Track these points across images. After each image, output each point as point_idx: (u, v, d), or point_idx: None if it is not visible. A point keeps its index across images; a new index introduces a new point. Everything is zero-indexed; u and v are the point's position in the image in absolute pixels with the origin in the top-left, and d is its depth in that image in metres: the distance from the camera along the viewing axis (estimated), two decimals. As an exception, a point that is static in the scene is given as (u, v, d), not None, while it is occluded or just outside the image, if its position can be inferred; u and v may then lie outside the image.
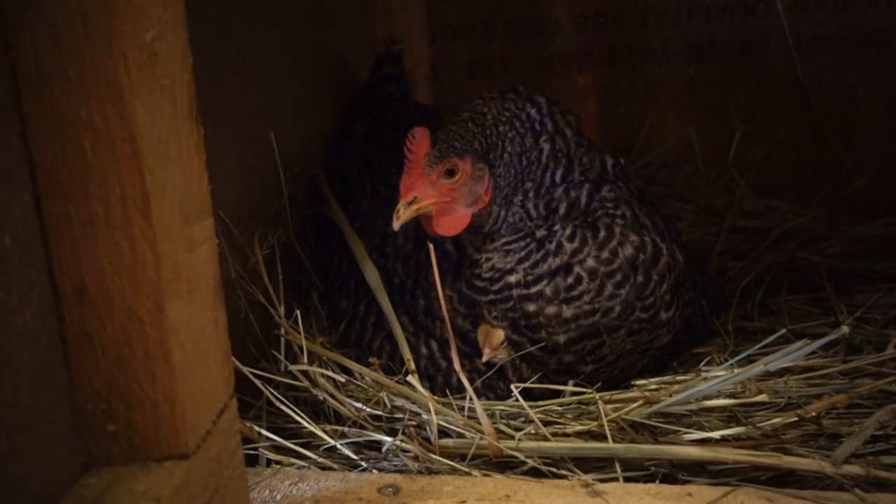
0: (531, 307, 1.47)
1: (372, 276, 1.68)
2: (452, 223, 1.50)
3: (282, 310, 1.62)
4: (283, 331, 1.57)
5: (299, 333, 1.53)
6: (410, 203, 1.45)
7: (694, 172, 2.48)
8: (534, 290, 1.47)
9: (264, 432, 1.41)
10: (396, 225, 1.45)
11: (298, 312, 1.56)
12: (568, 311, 1.47)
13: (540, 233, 1.51)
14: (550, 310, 1.47)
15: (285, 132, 1.85)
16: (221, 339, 1.09)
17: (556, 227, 1.50)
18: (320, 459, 1.39)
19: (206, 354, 1.03)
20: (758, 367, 1.24)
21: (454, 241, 1.59)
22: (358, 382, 1.51)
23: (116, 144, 0.89)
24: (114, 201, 0.90)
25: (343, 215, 1.83)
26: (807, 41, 2.38)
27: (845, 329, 1.22)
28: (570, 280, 1.47)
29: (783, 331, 1.37)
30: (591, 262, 1.47)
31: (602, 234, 1.49)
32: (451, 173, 1.47)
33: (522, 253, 1.49)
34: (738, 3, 2.40)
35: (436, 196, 1.47)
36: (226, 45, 1.63)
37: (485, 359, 1.49)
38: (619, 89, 2.56)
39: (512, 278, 1.49)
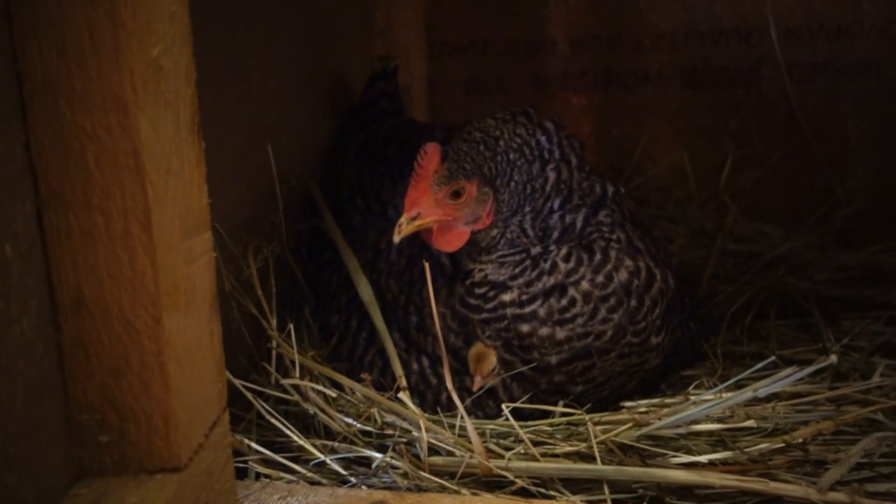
0: (525, 328, 1.49)
1: (365, 291, 1.68)
2: (451, 240, 1.52)
3: (274, 323, 1.62)
4: (274, 344, 1.57)
5: (291, 347, 1.53)
6: (413, 218, 1.47)
7: (686, 196, 2.50)
8: (528, 309, 1.49)
9: (254, 445, 1.41)
10: (397, 238, 1.46)
11: (291, 326, 1.56)
12: (561, 333, 1.48)
13: (535, 250, 1.52)
14: (544, 331, 1.48)
15: (282, 146, 1.86)
16: (216, 352, 1.09)
17: (552, 247, 1.52)
18: (310, 474, 1.39)
19: (200, 367, 1.04)
20: (747, 393, 1.26)
21: (450, 253, 1.60)
22: (349, 397, 1.51)
23: (120, 157, 0.90)
24: (115, 213, 0.91)
25: (337, 229, 1.84)
26: (799, 69, 2.41)
27: (833, 358, 1.24)
28: (564, 302, 1.48)
29: (773, 357, 1.39)
30: (585, 285, 1.49)
31: (598, 256, 1.51)
32: (457, 194, 1.49)
33: (517, 269, 1.51)
34: (732, 29, 2.44)
35: (439, 214, 1.49)
36: (224, 58, 1.64)
37: (475, 387, 1.50)
38: (614, 111, 2.58)
39: (506, 297, 1.50)
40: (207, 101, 1.56)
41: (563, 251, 1.51)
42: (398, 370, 1.56)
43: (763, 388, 1.25)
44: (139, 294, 0.92)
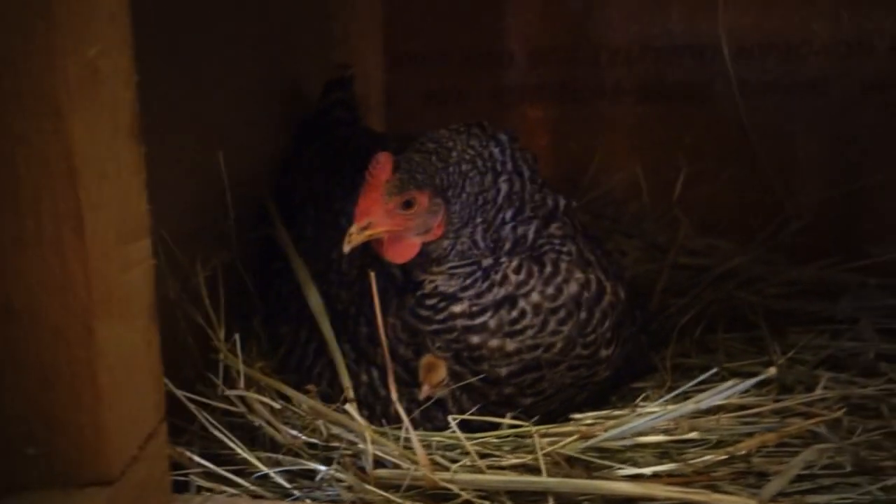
0: (475, 339, 1.49)
1: (315, 301, 1.67)
2: (402, 251, 1.51)
3: (222, 333, 1.59)
4: (221, 354, 1.54)
5: (237, 357, 1.51)
6: (364, 228, 1.45)
7: (640, 209, 2.52)
8: (478, 321, 1.49)
9: (196, 458, 1.38)
10: (347, 248, 1.45)
11: (237, 336, 1.53)
12: (511, 345, 1.48)
13: (486, 262, 1.52)
14: (494, 343, 1.48)
15: (235, 153, 1.84)
16: (153, 363, 1.07)
17: (503, 259, 1.52)
18: (252, 487, 1.36)
19: (135, 378, 1.01)
20: (689, 406, 1.27)
21: (402, 265, 1.59)
22: (295, 409, 1.49)
23: (52, 161, 0.87)
24: (46, 218, 0.88)
25: (289, 239, 1.82)
26: (751, 87, 2.45)
27: (772, 371, 1.26)
28: (514, 314, 1.48)
29: (715, 369, 1.40)
30: (535, 297, 1.49)
31: (548, 269, 1.52)
32: (408, 205, 1.48)
33: (468, 280, 1.51)
34: (686, 47, 2.47)
35: (390, 225, 1.48)
36: (175, 64, 1.62)
37: (423, 395, 1.49)
38: (570, 124, 2.60)
39: (457, 308, 1.49)
40: (155, 105, 1.54)
41: (514, 263, 1.51)
42: (346, 381, 1.54)
43: (705, 401, 1.26)
44: (70, 302, 0.90)
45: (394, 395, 1.32)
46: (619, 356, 1.61)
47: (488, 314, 1.48)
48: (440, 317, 1.50)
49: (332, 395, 1.57)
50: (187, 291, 1.62)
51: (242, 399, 1.49)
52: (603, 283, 1.55)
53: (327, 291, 1.69)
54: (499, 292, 1.49)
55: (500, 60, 2.61)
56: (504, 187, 1.54)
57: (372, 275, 1.33)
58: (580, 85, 2.58)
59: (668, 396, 1.45)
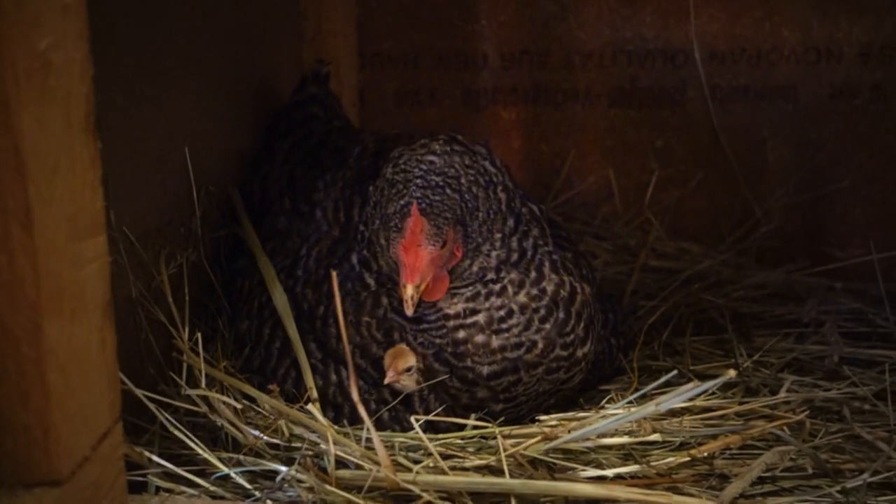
0: (461, 334, 1.50)
1: (280, 300, 1.65)
2: (439, 287, 1.50)
3: (185, 332, 1.57)
4: (184, 354, 1.52)
5: (199, 357, 1.49)
6: (418, 285, 1.43)
7: (612, 212, 2.54)
8: (469, 320, 1.50)
9: (155, 458, 1.36)
10: (411, 311, 1.43)
11: (199, 335, 1.52)
12: (496, 342, 1.50)
13: (489, 276, 1.54)
14: (480, 338, 1.50)
15: (201, 150, 1.82)
16: (108, 362, 1.05)
17: (503, 274, 1.54)
18: (212, 488, 1.34)
19: (88, 377, 0.99)
20: (650, 407, 1.27)
21: (376, 275, 1.57)
22: (258, 409, 1.47)
23: (0, 154, 0.85)
24: (-7, 213, 0.86)
25: (255, 236, 1.80)
26: (722, 92, 2.47)
27: (732, 373, 1.26)
28: (502, 312, 1.51)
29: (675, 371, 1.41)
30: (522, 298, 1.53)
31: (533, 274, 1.55)
32: (443, 245, 1.47)
33: (468, 294, 1.52)
34: (658, 51, 2.49)
35: (434, 271, 1.47)
36: (142, 60, 1.60)
37: (387, 381, 1.49)
38: (543, 127, 2.60)
39: (451, 310, 1.51)
40: (120, 100, 1.54)
41: (513, 275, 1.54)
42: (309, 381, 1.53)
43: (666, 402, 1.26)
44: (18, 299, 0.88)
45: (354, 396, 1.30)
46: (591, 356, 1.62)
47: (480, 314, 1.50)
48: (432, 317, 1.50)
49: (297, 395, 1.55)
50: (151, 290, 1.60)
51: (205, 399, 1.47)
52: (574, 284, 1.58)
53: (293, 288, 1.67)
54: (496, 302, 1.51)
55: (474, 62, 2.61)
56: (503, 196, 1.56)
57: (333, 274, 1.31)
58: (553, 88, 2.58)
59: (631, 398, 1.46)
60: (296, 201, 1.83)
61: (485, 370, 1.50)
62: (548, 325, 1.52)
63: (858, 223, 2.38)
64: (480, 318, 1.50)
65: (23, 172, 0.85)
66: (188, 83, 1.80)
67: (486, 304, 1.51)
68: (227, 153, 2.01)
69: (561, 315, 1.54)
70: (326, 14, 2.52)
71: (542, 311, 1.53)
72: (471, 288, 1.52)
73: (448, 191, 1.47)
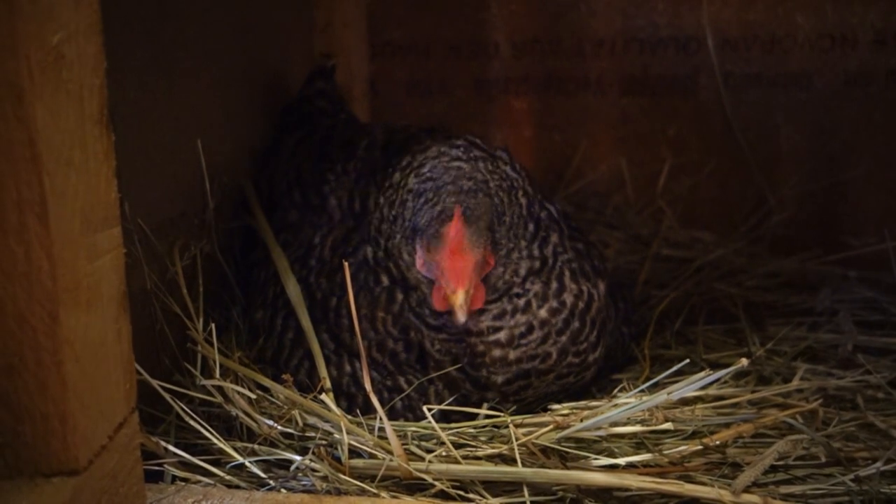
0: (480, 348, 1.49)
1: (293, 290, 1.66)
2: (479, 296, 1.46)
3: (200, 323, 1.58)
4: (199, 345, 1.54)
5: (213, 347, 1.50)
6: (467, 290, 1.40)
7: (624, 201, 2.53)
8: (491, 338, 1.49)
9: (171, 448, 1.38)
10: (463, 318, 1.39)
11: (213, 326, 1.53)
12: (513, 355, 1.50)
13: (516, 289, 1.52)
14: (498, 353, 1.49)
15: (215, 141, 1.83)
16: (124, 352, 1.06)
17: (528, 286, 1.52)
18: (227, 477, 1.36)
19: (104, 367, 1.00)
20: (662, 396, 1.27)
21: (390, 276, 1.56)
22: (272, 399, 1.49)
23: (15, 147, 0.86)
24: (9, 205, 0.87)
25: (268, 227, 1.81)
26: (735, 79, 2.45)
27: (744, 362, 1.26)
28: (523, 328, 1.50)
29: (686, 361, 1.41)
30: (544, 314, 1.51)
31: (554, 285, 1.54)
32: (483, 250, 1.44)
33: (495, 312, 1.50)
34: (670, 38, 2.47)
35: (478, 277, 1.44)
36: (154, 52, 1.60)
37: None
38: (555, 116, 2.60)
39: (474, 327, 1.49)
40: (133, 93, 1.55)
41: (537, 287, 1.52)
42: (322, 371, 1.54)
43: (677, 391, 1.26)
44: (35, 290, 0.89)
45: (368, 386, 1.31)
46: (602, 355, 1.62)
47: (502, 332, 1.49)
48: (454, 330, 1.48)
49: (311, 385, 1.56)
50: (165, 281, 1.61)
51: (219, 389, 1.48)
52: (592, 292, 1.57)
53: (306, 278, 1.68)
54: (520, 319, 1.50)
55: (485, 51, 2.60)
56: (523, 202, 1.55)
57: (346, 265, 1.32)
58: (564, 76, 2.57)
59: (643, 387, 1.46)
60: (306, 194, 1.84)
61: (499, 379, 1.50)
62: (563, 338, 1.52)
63: (873, 211, 2.36)
64: (502, 335, 1.49)
65: (38, 165, 0.86)
66: (200, 75, 1.81)
67: (511, 322, 1.49)
68: (239, 145, 2.02)
69: (576, 325, 1.54)
70: (337, 4, 2.52)
71: (560, 325, 1.52)
72: (498, 304, 1.50)
73: (480, 195, 1.45)
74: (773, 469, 1.33)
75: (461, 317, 1.37)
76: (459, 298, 1.37)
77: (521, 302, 1.51)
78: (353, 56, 2.56)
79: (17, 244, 0.88)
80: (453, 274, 1.38)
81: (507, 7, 2.57)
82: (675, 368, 1.35)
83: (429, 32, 2.59)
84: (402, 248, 1.50)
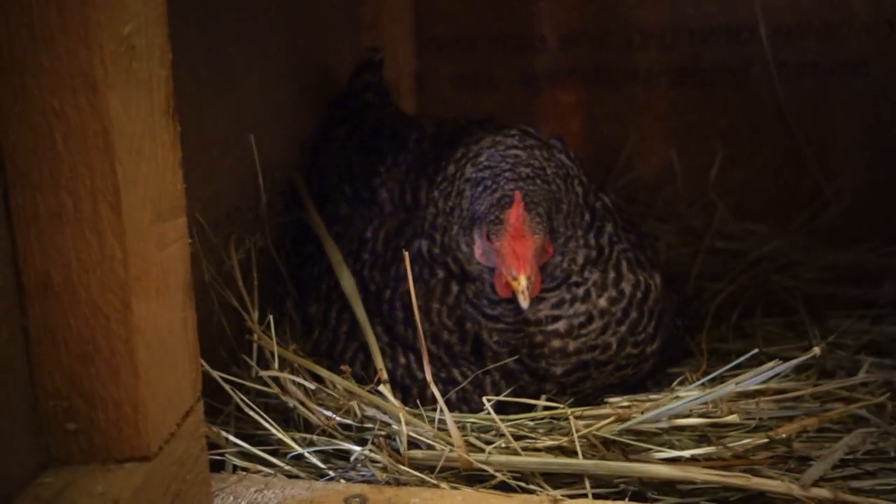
0: (539, 338, 1.48)
1: (348, 283, 1.66)
2: (536, 284, 1.44)
3: (255, 315, 1.60)
4: (255, 336, 1.55)
5: (271, 339, 1.51)
6: (530, 276, 1.39)
7: (674, 194, 2.49)
8: (550, 328, 1.48)
9: (231, 438, 1.39)
10: (526, 303, 1.37)
11: (271, 318, 1.54)
12: (573, 346, 1.49)
13: (574, 278, 1.51)
14: (557, 343, 1.48)
15: (266, 136, 1.84)
16: (190, 341, 1.07)
17: (587, 274, 1.51)
18: (287, 467, 1.37)
19: (172, 355, 1.01)
20: (728, 387, 1.24)
21: (447, 270, 1.54)
22: (329, 391, 1.49)
23: (88, 137, 0.87)
24: (83, 194, 0.89)
25: (320, 221, 1.82)
26: (789, 68, 2.40)
27: (816, 351, 1.23)
28: (583, 318, 1.49)
29: (755, 351, 1.38)
30: (603, 303, 1.50)
31: (612, 274, 1.52)
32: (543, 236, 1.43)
33: (554, 300, 1.49)
34: (722, 28, 2.43)
35: (539, 262, 1.44)
36: (208, 47, 1.62)
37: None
38: (603, 109, 2.57)
39: (532, 317, 1.48)
40: (188, 88, 1.56)
41: (595, 276, 1.51)
42: (379, 363, 1.54)
43: (745, 382, 1.23)
44: (108, 278, 0.90)
45: (428, 377, 1.31)
46: (659, 348, 1.60)
47: (561, 322, 1.48)
48: (512, 320, 1.48)
49: (365, 377, 1.57)
50: (221, 274, 1.63)
51: (276, 380, 1.49)
52: (649, 282, 1.56)
53: (360, 271, 1.68)
54: (580, 308, 1.49)
55: (532, 44, 2.58)
56: (580, 190, 1.54)
57: (406, 254, 1.32)
58: (613, 68, 2.54)
59: (705, 379, 1.43)
60: (356, 187, 1.84)
61: (558, 370, 1.49)
62: (623, 328, 1.51)
63: (933, 201, 2.29)
64: (561, 325, 1.48)
65: (111, 154, 0.87)
66: (251, 71, 1.83)
67: (570, 311, 1.48)
68: (290, 140, 2.04)
69: (635, 315, 1.52)
70: (384, 0, 2.53)
71: (619, 315, 1.51)
72: (556, 293, 1.49)
73: (539, 181, 1.44)
74: (841, 463, 1.30)
75: (524, 302, 1.36)
76: (522, 283, 1.36)
77: (581, 291, 1.49)
78: (400, 51, 2.56)
79: (91, 233, 0.89)
80: (515, 259, 1.37)
81: (553, 0, 2.55)
82: (739, 360, 1.32)
83: (475, 27, 2.58)
84: (459, 240, 1.49)
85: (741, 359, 1.34)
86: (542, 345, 1.48)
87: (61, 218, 0.89)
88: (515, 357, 1.49)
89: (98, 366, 0.92)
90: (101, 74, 0.86)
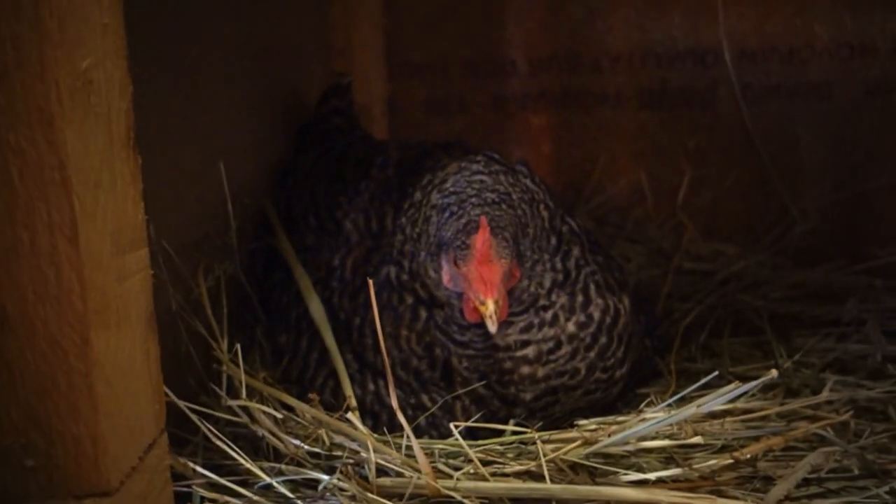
0: (508, 364, 1.49)
1: (317, 310, 1.66)
2: (504, 307, 1.44)
3: (225, 343, 1.59)
4: (224, 365, 1.54)
5: (239, 368, 1.51)
6: (497, 300, 1.39)
7: (644, 215, 2.52)
8: (519, 353, 1.49)
9: (199, 469, 1.38)
10: (494, 328, 1.38)
11: (239, 346, 1.53)
12: (542, 372, 1.50)
13: (542, 301, 1.52)
14: (526, 370, 1.49)
15: (236, 163, 1.84)
16: (153, 373, 1.07)
17: (554, 298, 1.52)
18: (255, 497, 1.35)
19: (134, 388, 1.01)
20: (690, 409, 1.26)
21: (415, 296, 1.55)
22: (298, 419, 1.49)
23: (45, 171, 0.88)
24: (40, 228, 0.89)
25: (290, 247, 1.82)
26: (754, 91, 2.45)
27: (774, 373, 1.25)
28: (551, 344, 1.50)
29: (717, 372, 1.40)
30: (571, 328, 1.51)
31: (580, 298, 1.53)
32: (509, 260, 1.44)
33: (522, 325, 1.50)
34: (688, 51, 2.47)
35: (506, 285, 1.44)
36: (174, 76, 1.62)
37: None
38: (573, 132, 2.60)
39: (501, 342, 1.49)
40: (155, 118, 1.56)
41: (563, 299, 1.52)
42: (347, 390, 1.54)
43: (707, 404, 1.25)
44: (66, 311, 0.90)
45: (394, 403, 1.31)
46: (628, 371, 1.61)
47: (530, 347, 1.49)
48: (481, 345, 1.49)
49: (335, 404, 1.56)
50: (190, 302, 1.62)
51: (245, 409, 1.48)
52: (618, 306, 1.57)
53: (329, 299, 1.68)
54: (548, 333, 1.50)
55: (502, 69, 2.61)
56: (545, 215, 1.55)
57: (371, 283, 1.32)
58: (582, 92, 2.58)
59: (671, 400, 1.44)
60: (321, 218, 1.84)
61: (528, 396, 1.50)
62: (592, 353, 1.52)
63: (898, 220, 2.34)
64: (530, 351, 1.49)
65: (68, 188, 0.88)
66: (222, 98, 1.83)
67: (539, 336, 1.49)
68: (261, 165, 2.04)
69: (604, 340, 1.53)
70: (355, 26, 2.55)
71: (588, 340, 1.52)
72: (524, 317, 1.50)
73: (504, 206, 1.45)
74: (805, 482, 1.31)
75: (492, 326, 1.37)
76: (490, 308, 1.37)
77: (549, 315, 1.50)
78: (372, 76, 2.58)
79: (48, 267, 0.89)
80: (482, 284, 1.38)
81: (523, 25, 2.58)
82: (703, 381, 1.34)
83: (446, 52, 2.60)
84: (427, 266, 1.50)
85: (705, 379, 1.36)
86: (512, 371, 1.48)
87: (18, 252, 0.89)
88: (484, 382, 1.49)
89: (56, 401, 0.92)
90: (58, 109, 0.87)
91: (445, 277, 1.47)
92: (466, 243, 1.40)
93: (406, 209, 1.56)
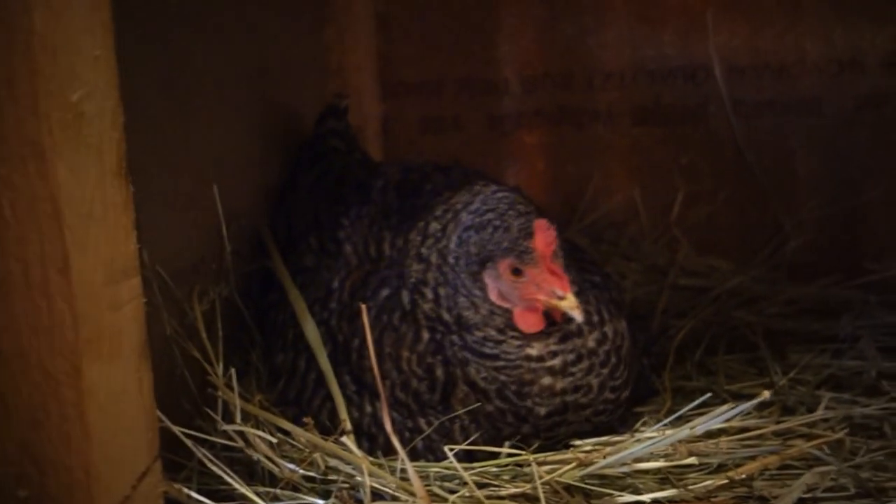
0: (529, 376, 1.50)
1: (311, 332, 1.67)
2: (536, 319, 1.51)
3: (220, 367, 1.59)
4: (219, 390, 1.54)
5: (234, 391, 1.50)
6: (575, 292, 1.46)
7: (638, 231, 2.52)
8: (548, 364, 1.50)
9: (194, 495, 1.37)
10: (581, 316, 1.44)
11: (234, 371, 1.53)
12: (559, 385, 1.50)
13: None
14: (546, 381, 1.50)
15: (232, 186, 1.85)
16: (146, 401, 1.07)
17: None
18: (251, 523, 1.35)
19: (126, 416, 1.01)
20: (685, 430, 1.26)
21: (437, 320, 1.56)
22: (294, 443, 1.49)
23: (37, 203, 0.88)
24: (32, 260, 0.89)
25: (284, 269, 1.82)
26: (745, 107, 2.46)
27: (766, 394, 1.25)
28: (573, 356, 1.51)
29: (710, 394, 1.40)
30: (591, 343, 1.53)
31: (595, 317, 1.55)
32: None
33: (559, 335, 1.52)
34: (679, 68, 2.48)
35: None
36: (170, 100, 1.63)
37: None
38: (568, 149, 2.60)
39: (533, 351, 1.50)
40: (151, 144, 1.58)
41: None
42: (343, 413, 1.54)
43: (701, 425, 1.25)
44: (58, 342, 0.90)
45: (387, 427, 1.31)
46: (629, 395, 1.62)
47: (558, 358, 1.50)
48: (513, 355, 1.50)
49: (333, 427, 1.56)
50: (185, 327, 1.62)
51: (241, 433, 1.48)
52: (621, 331, 1.59)
53: (327, 320, 1.69)
54: (576, 343, 1.51)
55: (496, 88, 2.62)
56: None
57: (363, 307, 1.33)
58: (576, 109, 2.59)
59: (666, 421, 1.44)
60: (322, 239, 1.85)
61: (542, 411, 1.50)
62: (605, 371, 1.53)
63: (893, 234, 2.34)
64: (557, 361, 1.50)
65: (59, 220, 0.88)
66: (216, 122, 1.84)
67: (567, 346, 1.51)
68: (256, 187, 2.05)
69: (613, 360, 1.55)
70: (349, 46, 2.56)
71: (602, 357, 1.53)
72: (559, 326, 1.51)
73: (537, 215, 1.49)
74: (801, 502, 1.31)
75: (579, 315, 1.42)
76: (573, 300, 1.41)
77: (574, 327, 1.51)
78: (366, 97, 2.59)
79: (41, 298, 0.90)
80: (557, 280, 1.42)
81: (516, 44, 2.59)
82: (697, 402, 1.34)
83: (440, 71, 2.61)
84: (468, 286, 1.51)
85: (699, 400, 1.36)
86: (532, 382, 1.49)
87: (10, 284, 0.90)
88: (503, 399, 1.49)
89: (49, 431, 0.92)
90: (49, 142, 0.87)
91: (493, 293, 1.48)
92: (528, 247, 1.43)
93: (424, 242, 1.58)
